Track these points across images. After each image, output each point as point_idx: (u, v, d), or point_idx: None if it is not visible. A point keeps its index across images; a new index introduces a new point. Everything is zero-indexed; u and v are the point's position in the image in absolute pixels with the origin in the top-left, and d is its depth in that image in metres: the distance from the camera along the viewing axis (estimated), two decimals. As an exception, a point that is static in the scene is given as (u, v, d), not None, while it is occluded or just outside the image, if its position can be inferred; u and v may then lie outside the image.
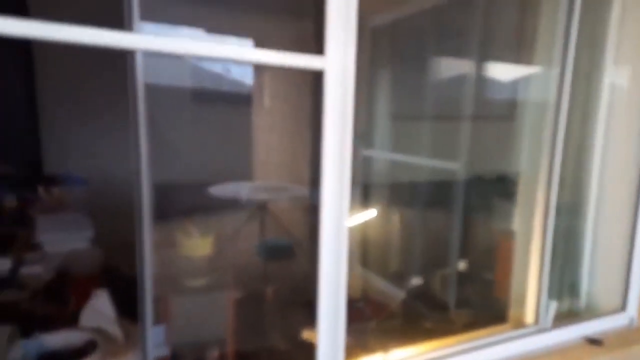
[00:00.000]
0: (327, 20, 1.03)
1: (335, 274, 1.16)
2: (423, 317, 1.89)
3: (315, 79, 1.10)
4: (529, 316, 1.59)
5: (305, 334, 1.51)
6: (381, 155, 2.93)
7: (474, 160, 2.22)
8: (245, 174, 3.67)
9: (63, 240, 1.92)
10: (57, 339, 1.34)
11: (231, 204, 2.98)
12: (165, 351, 1.46)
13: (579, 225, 1.77)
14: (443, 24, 2.54)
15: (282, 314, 2.02)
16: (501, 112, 2.19)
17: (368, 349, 1.44)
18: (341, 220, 1.14)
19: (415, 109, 2.75)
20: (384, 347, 1.39)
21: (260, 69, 4.18)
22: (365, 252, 2.66)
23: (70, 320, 1.46)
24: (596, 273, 1.77)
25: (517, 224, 1.72)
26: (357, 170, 2.90)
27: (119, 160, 2.94)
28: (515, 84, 2.08)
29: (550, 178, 1.55)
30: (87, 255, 1.87)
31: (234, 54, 0.98)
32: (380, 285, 2.51)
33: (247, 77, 4.37)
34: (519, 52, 1.99)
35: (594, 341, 1.56)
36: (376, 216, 2.40)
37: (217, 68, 4.38)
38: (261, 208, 2.97)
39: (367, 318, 2.01)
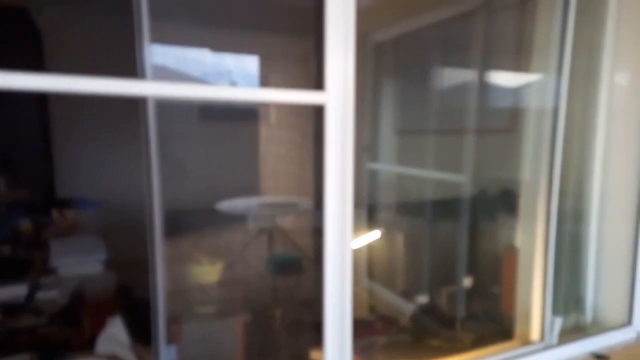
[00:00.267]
0: (326, 58, 1.08)
1: (340, 297, 1.19)
2: (430, 333, 1.91)
3: (317, 111, 1.14)
4: (535, 333, 1.61)
5: (314, 355, 1.54)
6: (387, 168, 2.97)
7: (479, 173, 2.25)
8: (253, 190, 3.71)
9: (77, 264, 1.98)
10: (74, 366, 1.39)
11: (240, 219, 3.02)
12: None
13: (583, 239, 1.78)
14: (445, 38, 2.57)
15: (291, 334, 2.05)
16: (503, 124, 2.21)
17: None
18: (345, 245, 1.17)
19: (419, 122, 2.78)
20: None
21: (266, 83, 4.22)
22: (372, 267, 2.68)
23: (86, 345, 1.51)
24: (601, 286, 1.78)
25: (519, 239, 1.73)
26: (363, 189, 2.93)
27: (128, 181, 3.00)
28: (517, 95, 2.11)
29: (550, 189, 1.56)
30: (100, 279, 1.92)
31: (240, 95, 1.03)
32: (389, 298, 2.54)
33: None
34: (521, 63, 2.02)
35: (600, 357, 1.57)
36: (382, 233, 2.43)
37: (224, 83, 4.44)
38: (269, 223, 3.00)
39: (376, 333, 2.03)
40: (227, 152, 3.72)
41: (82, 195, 2.73)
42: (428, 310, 2.11)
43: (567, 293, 1.74)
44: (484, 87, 2.35)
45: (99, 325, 1.57)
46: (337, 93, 1.10)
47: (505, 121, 2.19)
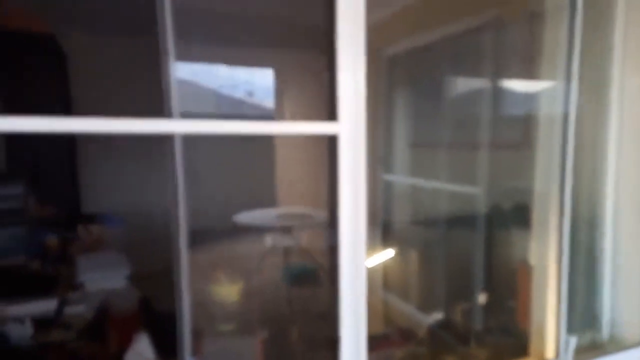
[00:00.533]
0: (338, 89, 1.13)
1: (354, 317, 1.23)
2: (446, 350, 1.93)
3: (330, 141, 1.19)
4: (550, 351, 1.61)
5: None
6: (400, 179, 2.99)
7: (493, 186, 2.25)
8: (269, 201, 3.77)
9: (102, 279, 2.06)
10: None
11: (257, 231, 3.08)
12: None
13: (598, 254, 1.77)
14: (456, 51, 2.60)
15: (309, 348, 2.09)
16: (515, 137, 2.22)
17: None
18: (359, 269, 1.21)
19: (432, 134, 2.80)
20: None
21: (280, 92, 4.27)
22: (387, 280, 2.71)
23: (112, 360, 1.57)
24: (618, 302, 1.77)
25: (533, 254, 1.74)
26: (377, 203, 2.96)
27: (151, 197, 3.09)
28: (529, 107, 2.11)
29: (561, 201, 1.56)
30: (124, 294, 1.99)
31: (258, 129, 1.08)
32: (406, 309, 2.56)
33: (268, 101, 4.49)
34: (531, 75, 2.02)
35: (617, 375, 1.57)
36: (397, 247, 2.45)
37: (239, 93, 4.52)
38: (286, 234, 3.05)
39: (393, 346, 2.05)
40: (243, 162, 3.78)
41: (107, 212, 2.83)
42: (443, 326, 2.13)
43: (583, 309, 1.73)
44: (496, 100, 2.36)
45: (123, 340, 1.64)
46: (350, 124, 1.14)
47: (517, 133, 2.20)
